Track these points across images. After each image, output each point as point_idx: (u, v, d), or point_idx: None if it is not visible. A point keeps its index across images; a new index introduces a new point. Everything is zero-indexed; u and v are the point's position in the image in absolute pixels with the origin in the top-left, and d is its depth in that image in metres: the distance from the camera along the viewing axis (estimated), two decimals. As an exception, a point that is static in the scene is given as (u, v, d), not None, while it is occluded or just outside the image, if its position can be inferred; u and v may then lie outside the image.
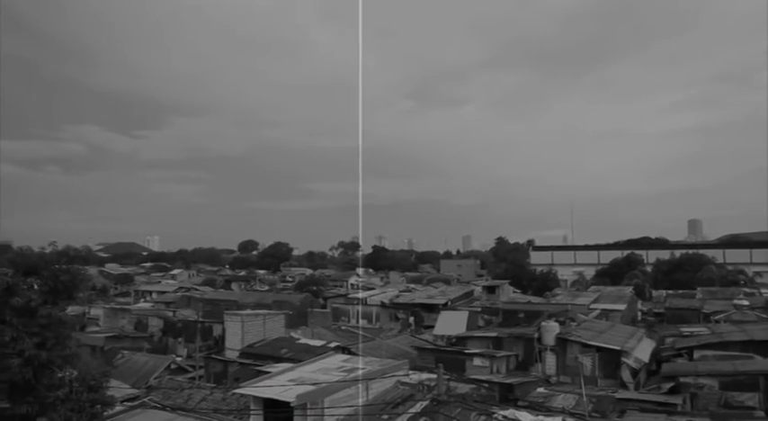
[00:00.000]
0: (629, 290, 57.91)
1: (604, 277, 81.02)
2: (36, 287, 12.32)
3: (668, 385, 24.18)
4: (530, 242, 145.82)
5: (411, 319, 48.96)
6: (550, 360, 29.75)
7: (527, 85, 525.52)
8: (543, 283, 72.93)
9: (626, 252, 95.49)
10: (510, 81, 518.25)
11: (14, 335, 11.22)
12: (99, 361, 26.17)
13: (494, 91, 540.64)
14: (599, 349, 28.29)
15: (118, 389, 16.73)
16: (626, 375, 27.15)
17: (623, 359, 27.47)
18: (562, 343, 29.53)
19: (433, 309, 49.28)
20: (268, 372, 20.18)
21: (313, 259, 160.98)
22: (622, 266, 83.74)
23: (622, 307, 46.07)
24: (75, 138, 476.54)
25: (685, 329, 35.12)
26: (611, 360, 27.85)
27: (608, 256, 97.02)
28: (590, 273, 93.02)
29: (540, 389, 23.98)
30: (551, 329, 30.04)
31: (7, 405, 11.40)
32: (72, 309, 25.87)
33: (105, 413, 12.84)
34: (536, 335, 30.22)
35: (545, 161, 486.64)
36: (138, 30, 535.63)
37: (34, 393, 11.43)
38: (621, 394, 23.72)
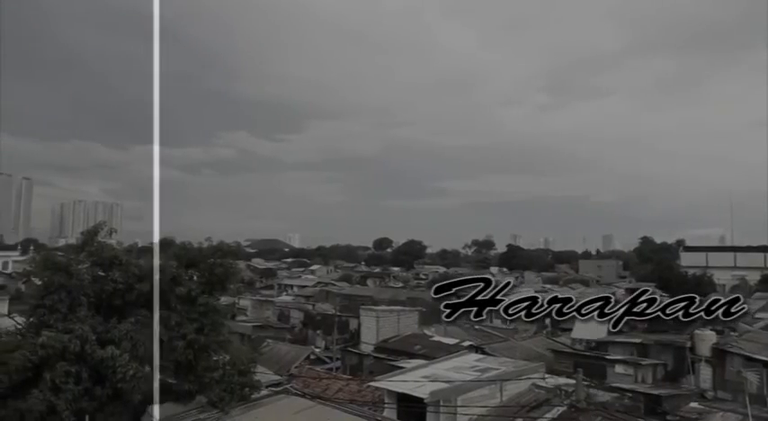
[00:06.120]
0: (804, 298, 51.01)
1: (773, 283, 72.09)
2: (195, 278, 13.61)
3: None
4: (679, 242, 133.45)
5: (547, 321, 47.15)
6: (705, 372, 27.03)
7: (677, 71, 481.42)
8: (695, 287, 66.37)
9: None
10: (657, 67, 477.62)
11: (178, 321, 12.50)
12: (247, 348, 28.33)
13: (639, 79, 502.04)
14: None
15: (263, 374, 17.92)
16: (803, 396, 23.88)
17: (799, 377, 24.20)
18: (720, 354, 26.72)
19: (570, 311, 47.04)
20: (402, 367, 20.54)
21: (446, 257, 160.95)
22: (796, 271, 73.96)
23: (796, 317, 40.71)
24: (226, 143, 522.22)
25: None
26: (783, 377, 24.65)
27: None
28: (754, 277, 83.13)
29: (694, 405, 21.89)
30: (707, 338, 27.34)
31: (174, 381, 12.75)
32: (224, 300, 28.21)
33: (252, 396, 13.88)
34: (688, 344, 27.69)
35: (697, 153, 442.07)
36: (275, 41, 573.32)
37: (194, 373, 12.66)
38: (797, 417, 20.90)
